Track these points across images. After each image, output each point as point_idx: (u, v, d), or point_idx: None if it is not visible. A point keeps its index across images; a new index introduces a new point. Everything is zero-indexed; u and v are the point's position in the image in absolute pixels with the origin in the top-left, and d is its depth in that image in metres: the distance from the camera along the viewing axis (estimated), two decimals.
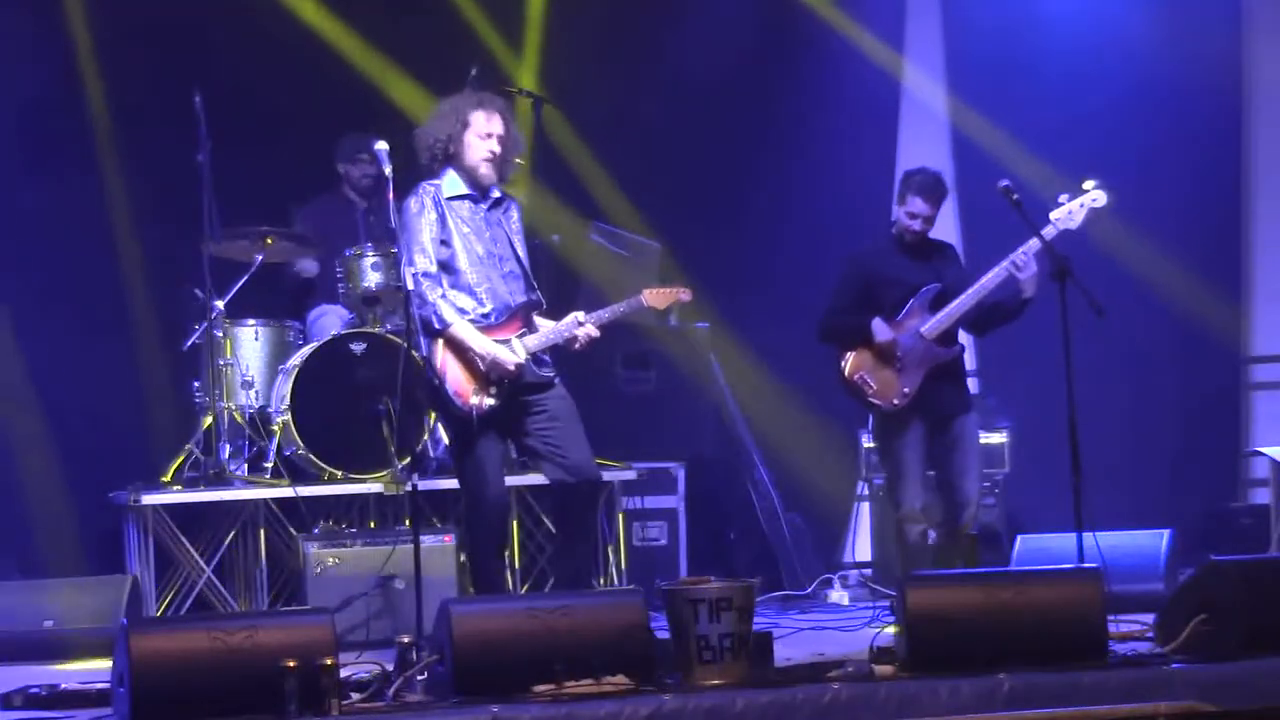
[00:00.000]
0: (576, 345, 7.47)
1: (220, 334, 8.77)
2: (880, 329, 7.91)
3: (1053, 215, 7.82)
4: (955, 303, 7.89)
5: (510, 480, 7.98)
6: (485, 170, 7.44)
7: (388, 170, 7.21)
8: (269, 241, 8.93)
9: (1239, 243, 10.71)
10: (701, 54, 10.34)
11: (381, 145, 7.25)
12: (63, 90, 9.44)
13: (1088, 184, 7.84)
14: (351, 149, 9.52)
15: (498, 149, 7.44)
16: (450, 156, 7.45)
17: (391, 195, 7.23)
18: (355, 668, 6.45)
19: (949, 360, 7.93)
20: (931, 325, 7.89)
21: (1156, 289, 10.23)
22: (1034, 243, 7.77)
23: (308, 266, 9.50)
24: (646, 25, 10.32)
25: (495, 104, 7.54)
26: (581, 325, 7.43)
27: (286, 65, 9.68)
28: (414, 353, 7.38)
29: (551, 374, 7.44)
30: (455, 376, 7.30)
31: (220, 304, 8.78)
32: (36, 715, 6.44)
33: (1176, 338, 10.55)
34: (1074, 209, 7.83)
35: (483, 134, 7.42)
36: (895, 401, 7.90)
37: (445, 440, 8.14)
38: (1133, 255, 9.95)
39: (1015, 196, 7.75)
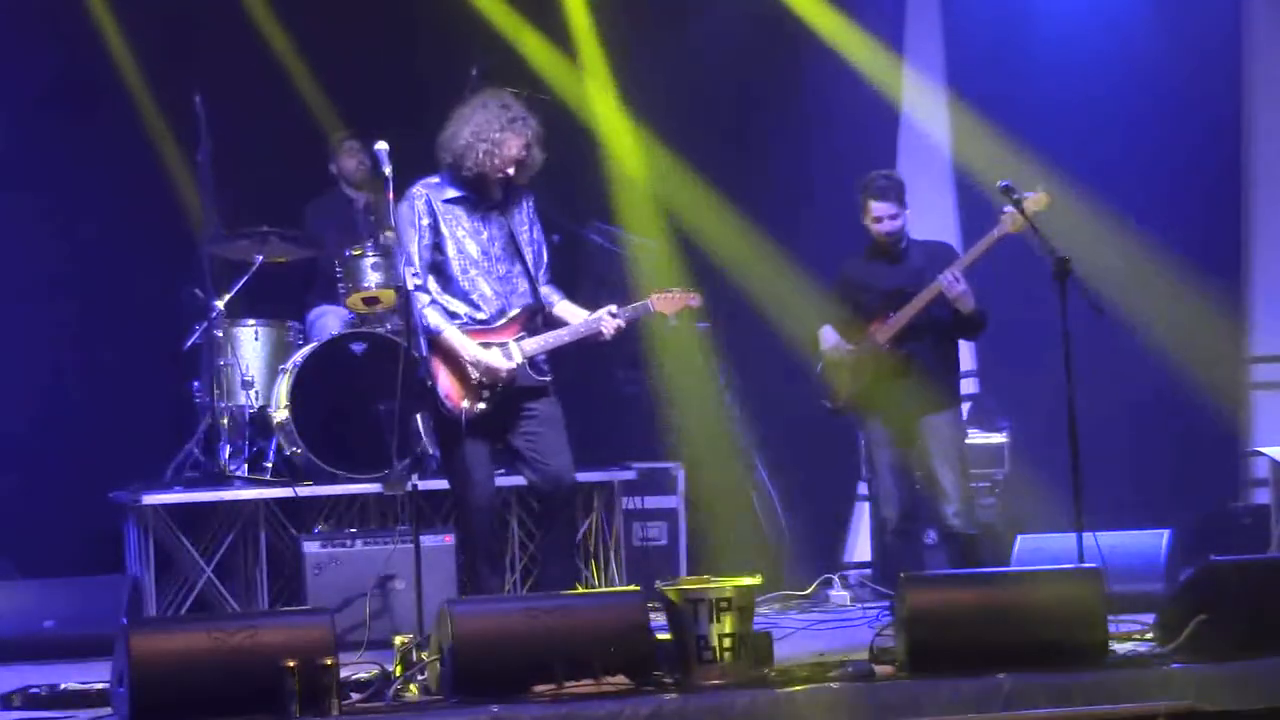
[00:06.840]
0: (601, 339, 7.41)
1: (220, 334, 8.78)
2: (825, 336, 8.08)
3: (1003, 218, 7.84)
4: (899, 312, 7.95)
5: (509, 481, 7.96)
6: (494, 185, 7.32)
7: (387, 170, 7.19)
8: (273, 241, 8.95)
9: (1239, 242, 10.69)
10: (701, 58, 10.33)
11: (381, 145, 7.21)
12: (64, 88, 9.43)
13: (1038, 186, 7.86)
14: (338, 142, 9.52)
15: (514, 172, 7.29)
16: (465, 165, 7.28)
17: (391, 195, 7.22)
18: (355, 668, 6.46)
19: (898, 363, 7.97)
20: (883, 330, 7.96)
21: (1156, 288, 10.20)
22: (965, 261, 7.85)
23: None
24: (647, 28, 10.30)
25: (528, 128, 7.29)
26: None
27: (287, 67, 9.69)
28: (414, 353, 7.36)
29: (548, 379, 7.38)
30: (445, 380, 7.26)
31: (220, 304, 8.79)
32: (36, 715, 6.44)
33: (1177, 337, 10.53)
34: (1016, 218, 7.77)
35: (508, 160, 7.26)
36: (841, 401, 8.03)
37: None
38: (1132, 254, 9.93)
39: (1015, 197, 7.76)
